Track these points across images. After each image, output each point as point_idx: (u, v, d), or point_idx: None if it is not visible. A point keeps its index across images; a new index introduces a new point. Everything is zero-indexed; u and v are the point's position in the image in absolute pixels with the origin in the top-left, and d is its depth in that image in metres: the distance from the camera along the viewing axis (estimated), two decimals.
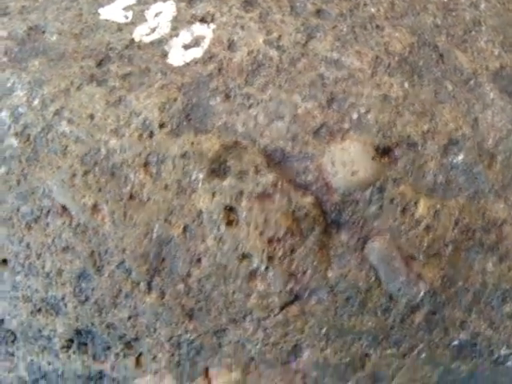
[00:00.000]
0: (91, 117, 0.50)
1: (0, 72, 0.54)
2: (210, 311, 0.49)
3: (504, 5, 0.59)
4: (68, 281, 0.49)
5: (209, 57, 0.53)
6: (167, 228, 0.48)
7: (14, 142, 0.51)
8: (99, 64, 0.53)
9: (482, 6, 0.58)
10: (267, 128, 0.50)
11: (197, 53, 0.53)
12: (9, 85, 0.53)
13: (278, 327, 0.49)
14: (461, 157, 0.52)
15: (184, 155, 0.49)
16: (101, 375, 0.51)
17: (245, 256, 0.48)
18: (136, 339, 0.49)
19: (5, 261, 0.50)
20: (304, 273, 0.49)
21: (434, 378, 0.53)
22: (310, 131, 0.50)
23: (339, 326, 0.50)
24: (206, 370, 0.50)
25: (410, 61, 0.54)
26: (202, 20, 0.55)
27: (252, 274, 0.48)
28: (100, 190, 0.49)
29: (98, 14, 0.56)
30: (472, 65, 0.55)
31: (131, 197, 0.48)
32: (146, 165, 0.49)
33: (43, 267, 0.49)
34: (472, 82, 0.54)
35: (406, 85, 0.53)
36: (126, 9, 0.56)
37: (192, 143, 0.49)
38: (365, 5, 0.56)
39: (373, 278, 0.50)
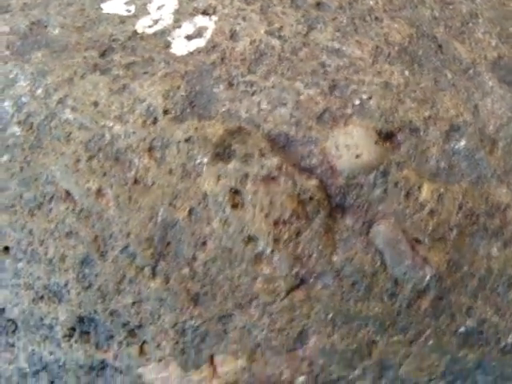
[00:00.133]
0: (95, 104, 0.51)
1: (2, 64, 0.54)
2: (216, 296, 0.48)
3: None
4: (71, 267, 0.48)
5: (211, 46, 0.54)
6: (172, 211, 0.48)
7: (16, 130, 0.51)
8: (102, 54, 0.54)
9: None
10: (270, 114, 0.51)
11: (200, 43, 0.54)
12: (11, 76, 0.53)
13: (284, 312, 0.49)
14: (462, 142, 0.52)
15: (188, 140, 0.49)
16: (103, 365, 0.49)
17: (250, 239, 0.47)
18: (140, 326, 0.48)
19: (6, 248, 0.49)
20: (309, 256, 0.48)
21: (441, 368, 0.53)
22: (313, 116, 0.51)
23: (345, 312, 0.49)
24: (211, 358, 0.49)
25: (409, 51, 0.55)
26: (204, 12, 0.56)
27: (258, 257, 0.48)
28: (104, 174, 0.48)
29: (101, 9, 0.57)
30: (470, 55, 0.56)
31: (136, 181, 0.48)
32: (150, 150, 0.49)
33: (46, 253, 0.48)
34: (471, 71, 0.55)
35: (407, 73, 0.54)
36: (128, 3, 0.57)
37: (196, 128, 0.49)
38: None
39: (378, 262, 0.49)
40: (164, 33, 0.54)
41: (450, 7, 0.58)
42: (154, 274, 0.48)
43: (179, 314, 0.48)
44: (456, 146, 0.52)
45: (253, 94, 0.51)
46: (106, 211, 0.48)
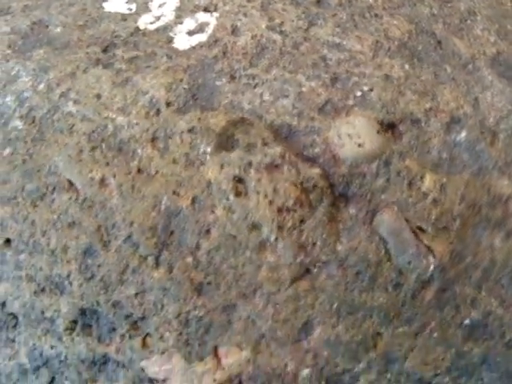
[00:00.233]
0: (98, 96, 0.51)
1: (4, 62, 0.55)
2: (220, 285, 0.47)
3: None
4: (73, 257, 0.48)
5: (213, 41, 0.54)
6: (175, 200, 0.47)
7: (18, 124, 0.51)
8: (105, 50, 0.54)
9: None
10: (273, 105, 0.51)
11: (201, 38, 0.54)
12: (13, 73, 0.54)
13: (289, 302, 0.48)
14: (463, 134, 0.53)
15: (191, 130, 0.49)
16: (105, 359, 0.49)
17: (254, 226, 0.47)
18: (143, 318, 0.48)
19: (8, 240, 0.49)
20: (314, 245, 0.48)
21: (446, 362, 0.52)
22: (315, 107, 0.51)
23: (350, 302, 0.49)
24: (216, 349, 0.48)
25: (409, 46, 0.56)
26: (206, 9, 0.56)
27: (262, 245, 0.47)
28: (107, 164, 0.48)
29: (102, 8, 0.58)
30: (469, 50, 0.57)
31: (139, 170, 0.48)
32: (153, 140, 0.49)
33: (48, 244, 0.48)
34: (470, 66, 0.56)
35: (407, 66, 0.54)
36: (129, 2, 0.58)
37: (199, 119, 0.50)
38: None
39: (382, 251, 0.49)
40: (166, 29, 0.55)
41: (449, 5, 0.59)
42: (157, 264, 0.47)
43: (183, 305, 0.47)
44: (457, 138, 0.52)
45: (255, 87, 0.52)
46: (109, 200, 0.48)
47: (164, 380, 0.48)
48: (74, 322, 0.48)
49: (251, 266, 0.47)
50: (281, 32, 0.55)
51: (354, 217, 0.49)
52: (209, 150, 0.48)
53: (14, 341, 0.49)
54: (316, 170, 0.49)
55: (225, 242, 0.47)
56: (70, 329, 0.48)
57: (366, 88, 0.52)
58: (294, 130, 0.50)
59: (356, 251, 0.49)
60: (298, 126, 0.50)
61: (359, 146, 0.49)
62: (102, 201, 0.48)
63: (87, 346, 0.48)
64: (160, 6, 0.57)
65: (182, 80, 0.52)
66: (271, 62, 0.53)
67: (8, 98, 0.52)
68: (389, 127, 0.51)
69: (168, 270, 0.47)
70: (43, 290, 0.48)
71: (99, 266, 0.47)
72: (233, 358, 0.48)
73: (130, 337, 0.48)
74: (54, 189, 0.48)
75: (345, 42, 0.55)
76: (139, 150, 0.49)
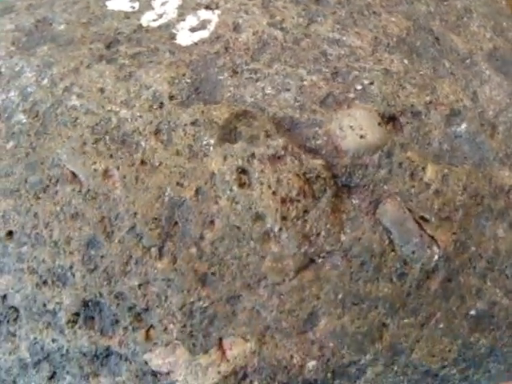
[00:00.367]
0: (101, 90, 0.51)
1: (8, 58, 0.55)
2: (224, 276, 0.47)
3: None
4: (76, 249, 0.47)
5: (215, 37, 0.55)
6: (179, 190, 0.47)
7: (22, 117, 0.51)
8: (108, 46, 0.54)
9: None
10: (275, 98, 0.51)
11: (203, 34, 0.55)
12: (17, 69, 0.54)
13: (294, 293, 0.48)
14: (463, 126, 0.53)
15: (194, 123, 0.49)
16: (108, 353, 0.48)
17: (258, 216, 0.47)
18: (146, 310, 0.47)
19: (10, 233, 0.48)
20: (318, 235, 0.48)
21: (453, 353, 0.52)
22: (317, 100, 0.51)
23: (355, 292, 0.49)
24: (220, 341, 0.48)
25: (407, 41, 0.57)
26: (208, 7, 0.57)
27: (266, 236, 0.47)
28: (111, 156, 0.48)
29: (105, 6, 0.58)
30: (467, 46, 0.58)
31: (143, 162, 0.48)
32: (156, 132, 0.49)
33: (51, 236, 0.48)
34: (468, 61, 0.57)
35: (406, 61, 0.55)
36: (132, 0, 0.58)
37: (202, 112, 0.50)
38: None
39: (387, 241, 0.49)
40: (168, 26, 0.56)
41: (445, 3, 0.60)
42: (160, 255, 0.47)
43: (187, 296, 0.47)
44: (457, 130, 0.53)
45: (257, 81, 0.52)
46: (112, 191, 0.48)
47: (168, 373, 0.47)
48: (77, 314, 0.48)
49: (255, 257, 0.47)
50: (282, 28, 0.55)
51: (357, 207, 0.49)
52: (212, 141, 0.49)
53: (14, 335, 0.48)
54: (319, 161, 0.49)
55: (229, 233, 0.47)
56: (72, 321, 0.48)
57: (366, 82, 0.53)
58: (296, 123, 0.50)
59: (360, 241, 0.49)
60: (300, 118, 0.51)
61: (361, 137, 0.50)
62: (106, 192, 0.48)
63: (89, 338, 0.48)
64: (162, 4, 0.57)
65: (184, 74, 0.52)
66: (273, 57, 0.54)
67: (12, 93, 0.53)
68: (390, 119, 0.52)
69: (172, 260, 0.47)
70: (45, 282, 0.48)
71: (102, 257, 0.47)
72: (237, 349, 0.47)
73: (133, 329, 0.48)
74: (57, 181, 0.48)
75: (344, 38, 0.55)
76: (143, 142, 0.49)
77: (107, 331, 0.48)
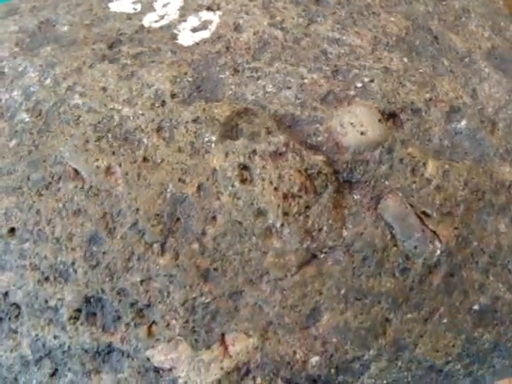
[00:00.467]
0: (104, 89, 0.52)
1: (11, 59, 0.56)
2: (226, 272, 0.47)
3: None
4: (78, 245, 0.47)
5: (217, 37, 0.55)
6: (181, 187, 0.48)
7: (25, 116, 0.52)
8: (110, 46, 0.55)
9: None
10: (276, 96, 0.52)
11: (205, 34, 0.55)
12: (20, 69, 0.55)
13: (296, 288, 0.48)
14: (463, 123, 0.53)
15: (196, 120, 0.50)
16: (110, 349, 0.48)
17: (260, 212, 0.47)
18: (148, 306, 0.47)
19: (12, 230, 0.48)
20: (319, 231, 0.48)
21: (457, 348, 0.51)
22: (318, 98, 0.52)
23: (357, 288, 0.49)
24: (223, 336, 0.47)
25: (407, 40, 0.57)
26: (209, 8, 0.58)
27: (268, 231, 0.47)
28: (113, 153, 0.49)
29: (108, 8, 0.59)
30: (465, 45, 0.58)
31: (145, 159, 0.48)
32: (158, 130, 0.49)
33: (53, 233, 0.48)
34: (467, 60, 0.57)
35: (405, 59, 0.55)
36: (134, 2, 0.59)
37: (204, 109, 0.50)
38: None
39: (388, 236, 0.49)
40: (170, 26, 0.56)
41: (443, 3, 0.61)
42: (163, 251, 0.47)
43: (189, 291, 0.47)
44: (457, 126, 0.53)
45: (258, 79, 0.53)
46: (114, 188, 0.48)
47: (170, 369, 0.47)
48: (79, 310, 0.48)
49: (257, 252, 0.47)
50: (282, 28, 0.56)
51: (359, 202, 0.49)
52: (214, 138, 0.49)
53: (16, 332, 0.48)
54: (320, 157, 0.49)
55: (231, 229, 0.47)
56: (74, 318, 0.48)
57: (366, 79, 0.53)
58: (297, 120, 0.51)
59: (362, 236, 0.49)
60: (301, 115, 0.51)
61: (362, 133, 0.50)
62: (108, 189, 0.48)
63: (91, 335, 0.48)
64: (164, 5, 0.58)
65: (186, 73, 0.53)
66: (273, 56, 0.54)
67: (15, 93, 0.53)
68: (390, 116, 0.52)
69: (174, 256, 0.47)
70: (47, 278, 0.48)
71: (104, 253, 0.47)
72: (240, 345, 0.47)
73: (136, 325, 0.47)
74: (60, 178, 0.48)
75: (344, 38, 0.56)
76: (145, 140, 0.49)
77: (109, 327, 0.48)
